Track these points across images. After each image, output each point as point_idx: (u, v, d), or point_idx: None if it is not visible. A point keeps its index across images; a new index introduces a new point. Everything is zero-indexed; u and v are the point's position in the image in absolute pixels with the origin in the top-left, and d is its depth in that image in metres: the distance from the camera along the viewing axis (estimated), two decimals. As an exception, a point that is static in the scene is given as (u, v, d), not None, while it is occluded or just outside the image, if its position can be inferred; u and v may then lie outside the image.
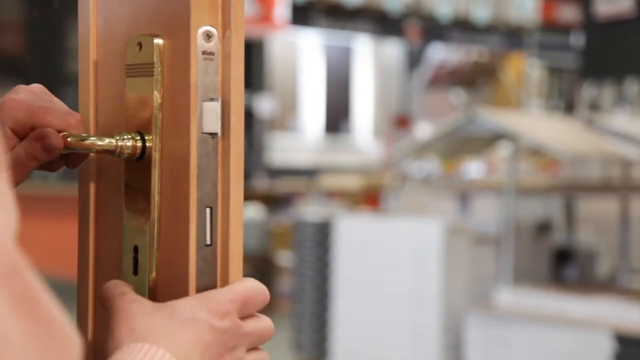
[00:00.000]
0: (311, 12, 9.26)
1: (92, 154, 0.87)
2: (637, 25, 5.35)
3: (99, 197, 0.89)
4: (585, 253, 4.37)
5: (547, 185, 4.62)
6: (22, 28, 9.38)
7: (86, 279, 0.89)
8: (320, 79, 10.51)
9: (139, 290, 0.80)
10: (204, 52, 0.80)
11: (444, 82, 9.12)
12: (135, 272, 0.83)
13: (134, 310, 0.77)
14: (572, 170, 4.87)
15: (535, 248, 4.26)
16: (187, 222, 0.80)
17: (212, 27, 0.80)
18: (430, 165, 5.65)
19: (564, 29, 8.71)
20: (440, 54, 9.07)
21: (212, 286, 0.80)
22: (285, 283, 6.40)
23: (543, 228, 4.33)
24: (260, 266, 6.77)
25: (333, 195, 6.85)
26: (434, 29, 8.52)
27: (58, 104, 0.89)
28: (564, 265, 4.26)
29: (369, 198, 6.17)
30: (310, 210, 5.03)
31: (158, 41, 0.82)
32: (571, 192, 4.46)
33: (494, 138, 4.25)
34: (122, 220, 0.85)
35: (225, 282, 0.81)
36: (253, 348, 0.82)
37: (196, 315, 0.77)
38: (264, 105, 9.28)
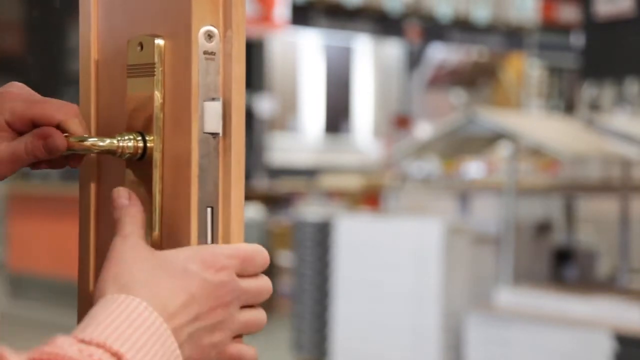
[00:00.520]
0: (311, 12, 9.26)
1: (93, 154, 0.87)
2: (637, 25, 5.35)
3: (100, 196, 0.89)
4: (585, 253, 4.37)
5: (547, 185, 4.62)
6: (22, 28, 9.38)
7: (87, 278, 0.89)
8: (320, 79, 10.51)
9: None
10: (205, 52, 0.80)
11: (444, 82, 9.12)
12: None
13: (127, 257, 0.77)
14: (572, 170, 4.87)
15: (535, 248, 4.26)
16: (188, 222, 0.79)
17: (214, 26, 0.80)
18: (430, 165, 5.65)
19: (564, 29, 8.71)
20: (440, 54, 9.07)
21: None
22: (285, 283, 6.40)
23: (543, 228, 4.33)
24: (260, 266, 6.76)
25: (333, 195, 6.85)
26: (434, 29, 8.52)
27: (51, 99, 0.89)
28: (564, 265, 4.27)
29: (369, 198, 6.17)
30: (310, 210, 5.03)
31: (159, 41, 0.81)
32: (571, 192, 4.46)
33: (494, 138, 4.25)
34: None
35: None
36: (249, 306, 0.81)
37: (188, 266, 0.76)
38: (264, 105, 9.29)
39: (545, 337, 3.59)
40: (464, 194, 4.77)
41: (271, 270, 7.00)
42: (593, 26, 5.60)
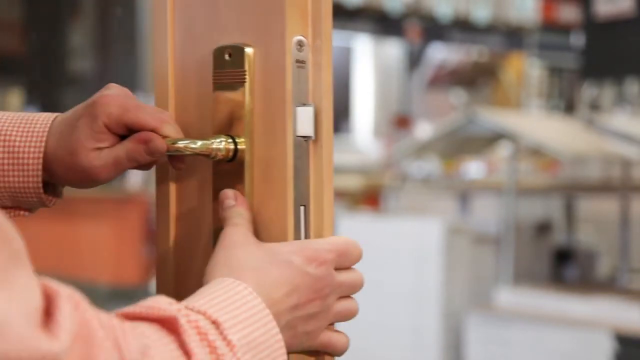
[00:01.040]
0: (311, 12, 9.25)
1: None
2: (637, 25, 5.35)
3: (179, 196, 0.93)
4: (585, 253, 4.37)
5: (547, 185, 4.62)
6: (22, 28, 9.38)
7: (166, 276, 0.93)
8: (320, 79, 10.50)
9: None
10: (297, 61, 0.84)
11: (444, 82, 9.12)
12: None
13: (238, 242, 0.82)
14: (572, 170, 4.87)
15: (535, 248, 4.26)
16: (285, 220, 0.84)
17: (303, 36, 0.85)
18: (430, 165, 5.65)
19: (564, 29, 8.70)
20: (440, 54, 9.07)
21: None
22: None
23: (543, 228, 4.33)
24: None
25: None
26: (434, 29, 8.52)
27: (146, 104, 0.93)
28: (564, 265, 4.26)
29: (369, 198, 6.17)
30: (310, 210, 5.02)
31: (249, 50, 0.86)
32: (571, 192, 4.46)
33: (494, 138, 4.25)
34: (207, 217, 0.89)
35: None
36: (344, 297, 0.86)
37: (292, 259, 0.82)
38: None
39: (545, 337, 3.59)
40: (464, 194, 4.77)
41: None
42: (593, 26, 5.60)
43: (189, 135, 0.89)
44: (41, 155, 0.90)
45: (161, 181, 0.94)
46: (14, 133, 0.91)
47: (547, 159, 5.23)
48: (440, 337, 3.98)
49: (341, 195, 6.84)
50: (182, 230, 0.93)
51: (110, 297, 6.66)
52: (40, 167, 0.91)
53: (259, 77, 0.86)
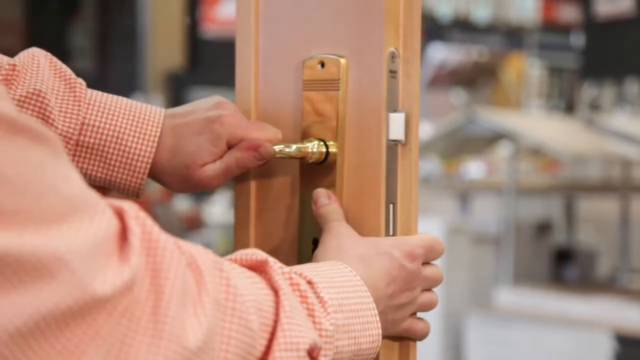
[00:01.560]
0: (311, 12, 9.25)
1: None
2: (637, 25, 5.35)
3: (261, 196, 0.99)
4: (585, 253, 4.37)
5: (547, 185, 4.62)
6: (22, 28, 9.38)
7: None
8: (320, 79, 10.51)
9: None
10: (390, 71, 0.90)
11: (444, 82, 9.11)
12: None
13: (345, 233, 0.89)
14: (572, 170, 4.86)
15: (535, 248, 4.26)
16: (377, 217, 0.91)
17: (396, 48, 0.90)
18: (431, 165, 5.65)
19: (564, 29, 8.70)
20: (440, 54, 9.07)
21: None
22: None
23: (543, 228, 4.33)
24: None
25: (333, 195, 6.84)
26: (434, 29, 8.51)
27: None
28: (564, 265, 4.26)
29: (369, 198, 6.16)
30: (310, 210, 5.02)
31: (342, 60, 0.92)
32: (571, 192, 4.45)
33: (494, 138, 4.25)
34: (294, 215, 0.96)
35: None
36: (426, 290, 0.94)
37: (392, 251, 0.88)
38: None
39: (545, 337, 3.59)
40: (464, 194, 4.77)
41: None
42: (593, 26, 5.60)
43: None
44: (151, 158, 0.95)
45: (241, 181, 1.00)
46: (126, 130, 0.95)
47: (547, 159, 5.23)
48: (440, 337, 3.98)
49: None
50: (263, 230, 0.99)
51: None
52: (148, 169, 0.95)
53: (352, 85, 0.92)
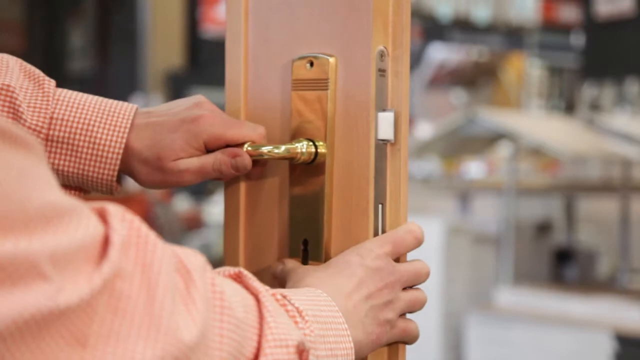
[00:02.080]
0: (311, 12, 9.25)
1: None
2: (637, 25, 5.35)
3: (250, 198, 0.99)
4: (585, 253, 4.37)
5: (547, 185, 4.62)
6: (22, 28, 9.38)
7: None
8: (320, 79, 10.50)
9: None
10: (379, 70, 0.89)
11: (444, 82, 9.11)
12: (305, 262, 0.93)
13: (303, 273, 0.88)
14: (572, 170, 4.86)
15: (535, 248, 4.26)
16: (365, 217, 0.90)
17: (385, 47, 0.90)
18: (431, 165, 5.65)
19: (564, 29, 8.70)
20: (440, 54, 9.07)
21: None
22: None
23: (543, 228, 4.33)
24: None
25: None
26: (434, 29, 8.51)
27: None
28: (564, 265, 4.26)
29: (369, 198, 6.16)
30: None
31: (332, 60, 0.91)
32: (571, 192, 4.45)
33: (494, 138, 4.25)
34: (284, 216, 0.95)
35: None
36: (411, 288, 0.92)
37: (348, 259, 0.88)
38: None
39: (545, 337, 3.59)
40: (464, 194, 4.77)
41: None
42: (593, 26, 5.60)
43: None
44: (122, 148, 0.94)
45: (231, 181, 0.99)
46: (96, 122, 0.94)
47: (547, 159, 5.23)
48: (440, 337, 3.98)
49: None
50: (252, 230, 0.98)
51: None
52: (119, 160, 0.94)
53: (341, 84, 0.91)
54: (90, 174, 0.95)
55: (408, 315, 0.95)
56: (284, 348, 0.72)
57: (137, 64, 8.26)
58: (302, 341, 0.74)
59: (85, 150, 0.94)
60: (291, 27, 0.95)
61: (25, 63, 0.97)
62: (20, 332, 0.53)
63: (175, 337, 0.60)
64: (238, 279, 0.76)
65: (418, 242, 0.93)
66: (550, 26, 8.86)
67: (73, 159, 0.94)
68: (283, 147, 0.92)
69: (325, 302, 0.82)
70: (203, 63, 8.72)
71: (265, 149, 0.93)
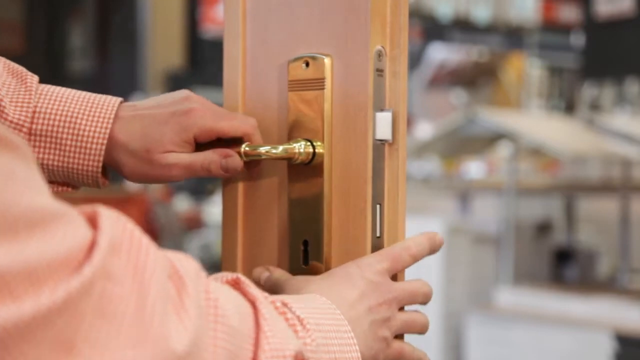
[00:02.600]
0: (311, 12, 9.24)
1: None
2: (637, 25, 5.35)
3: (248, 198, 0.99)
4: (586, 253, 4.37)
5: (547, 185, 4.62)
6: (22, 28, 9.38)
7: (233, 269, 0.99)
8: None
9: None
10: (377, 70, 0.89)
11: (444, 82, 9.11)
12: (306, 262, 0.93)
13: (302, 283, 0.87)
14: (572, 170, 4.86)
15: (535, 248, 4.26)
16: (363, 217, 0.90)
17: (382, 46, 0.90)
18: (430, 165, 5.65)
19: (564, 29, 8.70)
20: (440, 54, 9.07)
21: None
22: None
23: (543, 228, 4.33)
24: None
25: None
26: (434, 29, 8.51)
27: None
28: (564, 265, 4.26)
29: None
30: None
31: (327, 60, 0.91)
32: (571, 192, 4.45)
33: (494, 138, 4.25)
34: (283, 216, 0.95)
35: None
36: (407, 309, 0.90)
37: (349, 270, 0.86)
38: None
39: (545, 337, 3.59)
40: (464, 194, 4.77)
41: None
42: (593, 26, 5.60)
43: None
44: (105, 139, 0.92)
45: (229, 181, 0.99)
46: (79, 114, 0.93)
47: (547, 159, 5.23)
48: (440, 337, 3.98)
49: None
50: (251, 230, 0.98)
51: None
52: (103, 151, 0.93)
53: (338, 84, 0.91)
54: (75, 166, 0.93)
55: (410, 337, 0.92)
56: (281, 359, 0.69)
57: (137, 64, 8.26)
58: (301, 351, 0.72)
59: (68, 142, 0.93)
60: (289, 28, 0.95)
61: (9, 61, 0.96)
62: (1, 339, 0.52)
63: (165, 346, 0.58)
64: (236, 285, 0.73)
65: (414, 260, 0.91)
66: (550, 26, 8.86)
67: (57, 152, 0.93)
68: (281, 147, 0.92)
69: (329, 310, 0.80)
70: (203, 63, 8.72)
71: (263, 149, 0.92)
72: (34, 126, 0.93)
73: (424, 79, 9.35)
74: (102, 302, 0.55)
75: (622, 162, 4.01)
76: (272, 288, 0.90)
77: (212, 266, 6.20)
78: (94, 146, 0.93)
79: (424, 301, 0.91)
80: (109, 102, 0.94)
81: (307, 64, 0.92)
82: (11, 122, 0.92)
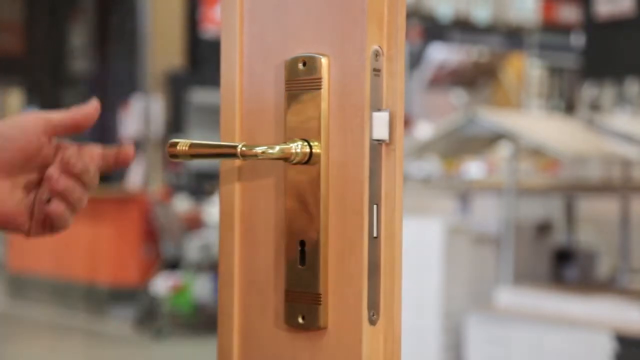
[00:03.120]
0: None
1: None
2: (637, 25, 5.35)
3: (244, 195, 0.98)
4: (585, 253, 4.37)
5: (547, 185, 4.62)
6: (22, 28, 9.38)
7: (230, 269, 0.98)
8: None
9: (307, 279, 0.91)
10: (374, 69, 0.89)
11: (444, 82, 9.11)
12: (302, 263, 0.92)
13: None
14: (572, 170, 4.86)
15: (535, 248, 4.26)
16: (360, 218, 0.89)
17: (380, 46, 0.89)
18: (431, 165, 5.65)
19: (564, 29, 8.71)
20: (440, 54, 9.07)
21: (378, 274, 0.89)
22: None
23: (543, 228, 4.33)
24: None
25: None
26: (434, 29, 8.51)
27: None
28: (564, 265, 4.26)
29: (369, 198, 6.16)
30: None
31: (324, 59, 0.91)
32: (571, 192, 4.45)
33: (494, 138, 4.25)
34: (280, 216, 0.94)
35: (389, 270, 0.90)
36: None
37: None
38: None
39: (545, 337, 3.59)
40: (464, 194, 4.77)
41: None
42: (593, 26, 5.61)
43: (254, 140, 0.95)
44: None
45: (226, 182, 0.99)
46: None
47: (547, 159, 5.23)
48: (440, 337, 3.98)
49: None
50: (248, 231, 0.97)
51: (110, 297, 6.65)
52: None
53: (335, 84, 0.91)
54: None
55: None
56: None
57: (137, 64, 8.26)
58: None
59: None
60: (286, 28, 0.95)
61: None
62: None
63: None
64: None
65: None
66: (550, 26, 8.86)
67: None
68: (277, 148, 0.91)
69: None
70: (203, 63, 8.71)
71: (259, 149, 0.92)
72: None
73: (424, 79, 9.35)
74: None
75: (622, 162, 4.01)
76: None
77: (212, 266, 6.19)
78: None
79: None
80: None
81: (304, 64, 0.92)
82: None
